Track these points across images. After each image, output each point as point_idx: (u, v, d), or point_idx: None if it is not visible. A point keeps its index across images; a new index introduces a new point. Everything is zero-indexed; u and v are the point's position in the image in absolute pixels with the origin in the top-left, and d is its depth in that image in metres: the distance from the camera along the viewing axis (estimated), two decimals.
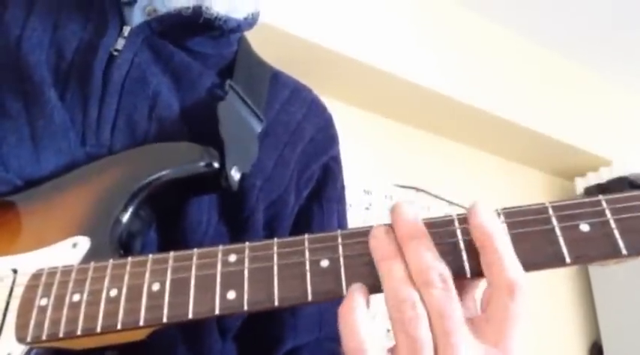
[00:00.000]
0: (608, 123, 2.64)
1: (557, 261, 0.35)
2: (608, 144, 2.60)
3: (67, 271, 0.41)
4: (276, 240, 0.39)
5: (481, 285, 0.36)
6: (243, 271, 0.38)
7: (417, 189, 2.26)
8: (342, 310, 0.35)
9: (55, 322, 0.39)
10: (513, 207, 0.37)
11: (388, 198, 2.20)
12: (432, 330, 0.33)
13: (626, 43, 2.42)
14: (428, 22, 2.24)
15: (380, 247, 0.36)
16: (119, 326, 0.38)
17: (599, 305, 2.55)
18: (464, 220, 0.37)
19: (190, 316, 0.37)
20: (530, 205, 0.37)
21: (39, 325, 0.39)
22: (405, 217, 0.37)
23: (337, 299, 0.36)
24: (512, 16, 2.37)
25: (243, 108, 0.60)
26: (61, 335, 0.39)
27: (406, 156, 2.31)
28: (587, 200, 0.36)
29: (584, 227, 0.35)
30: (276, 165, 0.60)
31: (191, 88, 0.59)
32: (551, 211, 0.36)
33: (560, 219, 0.36)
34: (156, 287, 0.39)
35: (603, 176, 2.57)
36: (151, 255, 0.40)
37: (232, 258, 0.39)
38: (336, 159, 0.68)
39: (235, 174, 0.52)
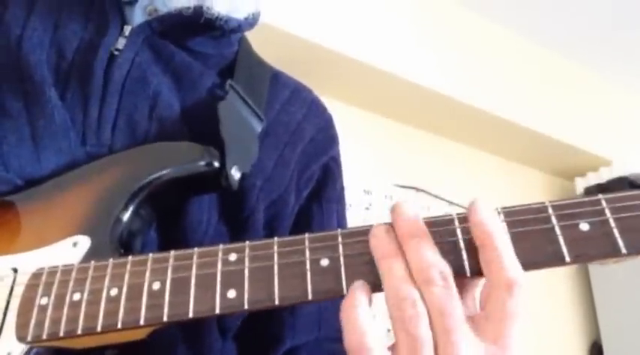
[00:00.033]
0: (608, 123, 2.64)
1: (557, 260, 0.35)
2: (608, 144, 2.60)
3: (67, 270, 0.42)
4: (276, 239, 0.39)
5: (481, 284, 0.36)
6: (243, 270, 0.38)
7: (417, 189, 2.26)
8: (344, 306, 0.35)
9: (56, 321, 0.39)
10: (513, 206, 0.37)
11: (388, 198, 2.20)
12: (432, 328, 0.33)
13: (626, 43, 2.42)
14: (428, 22, 2.24)
15: (380, 246, 0.36)
16: (119, 325, 0.38)
17: (599, 305, 2.55)
18: (464, 219, 0.37)
19: (191, 315, 0.37)
20: (529, 204, 0.37)
21: (39, 324, 0.39)
22: (406, 216, 0.37)
23: (337, 298, 0.36)
24: (512, 16, 2.36)
25: (244, 108, 0.60)
26: (61, 334, 0.39)
27: (406, 156, 2.31)
28: (586, 199, 0.36)
29: (584, 226, 0.35)
30: (276, 165, 0.60)
31: (192, 88, 0.59)
32: (550, 210, 0.36)
33: (559, 218, 0.36)
34: (156, 286, 0.39)
35: (603, 176, 2.57)
36: (151, 254, 0.40)
37: (233, 257, 0.39)
38: (336, 160, 0.68)
39: (235, 174, 0.53)
